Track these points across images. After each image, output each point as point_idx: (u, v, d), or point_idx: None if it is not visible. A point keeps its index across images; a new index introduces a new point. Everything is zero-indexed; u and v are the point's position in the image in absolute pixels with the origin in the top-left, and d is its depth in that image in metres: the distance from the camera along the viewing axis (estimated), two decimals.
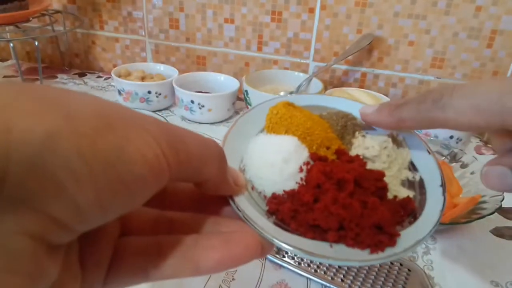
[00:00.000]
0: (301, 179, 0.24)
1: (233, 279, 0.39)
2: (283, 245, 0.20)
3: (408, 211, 0.24)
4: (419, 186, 0.26)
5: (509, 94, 0.20)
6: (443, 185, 0.25)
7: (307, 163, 0.25)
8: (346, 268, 0.40)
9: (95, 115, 0.14)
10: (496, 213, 0.44)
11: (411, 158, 0.27)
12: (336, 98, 0.31)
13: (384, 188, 0.24)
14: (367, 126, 0.28)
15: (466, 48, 0.70)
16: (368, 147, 0.27)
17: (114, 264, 0.19)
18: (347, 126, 0.28)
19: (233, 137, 0.27)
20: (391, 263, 0.41)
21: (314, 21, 0.76)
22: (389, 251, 0.21)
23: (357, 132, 0.28)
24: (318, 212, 0.22)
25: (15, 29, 0.75)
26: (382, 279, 0.39)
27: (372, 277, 0.39)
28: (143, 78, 0.74)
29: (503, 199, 0.45)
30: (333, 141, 0.27)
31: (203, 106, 0.68)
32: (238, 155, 0.26)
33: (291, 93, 0.71)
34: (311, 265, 0.40)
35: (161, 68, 0.80)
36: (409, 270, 0.40)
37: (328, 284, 0.38)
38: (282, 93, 0.71)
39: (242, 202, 0.22)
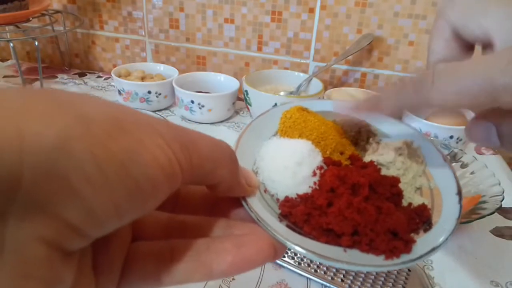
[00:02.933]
0: (315, 183, 0.24)
1: (233, 279, 0.39)
2: (296, 247, 0.20)
3: (423, 218, 0.23)
4: (435, 194, 0.25)
5: (496, 71, 0.18)
6: (459, 193, 0.24)
7: (320, 168, 0.25)
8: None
9: (107, 118, 0.14)
10: (496, 213, 0.44)
11: (427, 165, 0.27)
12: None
13: (399, 194, 0.24)
14: (382, 133, 0.28)
15: None
16: (383, 153, 0.27)
17: (126, 269, 0.19)
18: (361, 132, 0.29)
19: (246, 139, 0.27)
20: None
21: (314, 21, 0.76)
22: (404, 257, 0.21)
23: (371, 139, 0.28)
24: (332, 216, 0.21)
25: (15, 29, 0.75)
26: (382, 279, 0.39)
27: (372, 277, 0.39)
28: (143, 78, 0.74)
29: (503, 199, 0.45)
30: (347, 147, 0.27)
31: (203, 106, 0.68)
32: (251, 158, 0.26)
33: (291, 93, 0.71)
34: (311, 265, 0.40)
35: (161, 68, 0.80)
36: (409, 270, 0.40)
37: (328, 284, 0.38)
38: (282, 93, 0.71)
39: (255, 203, 0.22)
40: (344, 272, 0.39)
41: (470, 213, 0.45)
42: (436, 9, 0.29)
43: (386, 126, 0.29)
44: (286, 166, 0.24)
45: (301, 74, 0.75)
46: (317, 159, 0.25)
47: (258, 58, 0.82)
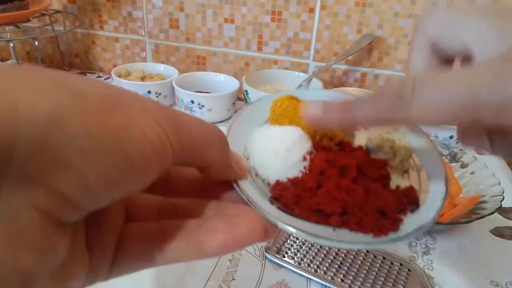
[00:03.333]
0: (305, 167, 0.25)
1: (233, 279, 0.39)
2: (287, 227, 0.20)
3: (410, 199, 0.24)
4: (422, 177, 0.26)
5: (480, 84, 0.17)
6: (445, 175, 0.25)
7: (310, 153, 0.25)
8: (346, 268, 0.40)
9: (101, 96, 0.15)
10: (496, 213, 0.44)
11: (414, 150, 0.27)
12: (337, 94, 0.32)
13: (387, 176, 0.25)
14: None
15: None
16: (371, 138, 0.27)
17: (120, 249, 0.19)
18: None
19: (237, 127, 0.27)
20: (391, 263, 0.41)
21: (314, 21, 0.76)
22: (392, 235, 0.21)
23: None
24: (321, 197, 0.22)
25: (15, 29, 0.75)
26: (382, 279, 0.39)
27: (372, 277, 0.39)
28: (143, 78, 0.75)
29: (503, 199, 0.45)
30: (335, 133, 0.28)
31: (203, 106, 0.68)
32: (242, 144, 0.27)
33: None
34: (311, 265, 0.40)
35: (161, 68, 0.80)
36: (409, 270, 0.40)
37: (328, 284, 0.38)
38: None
39: (247, 186, 0.23)
40: (344, 272, 0.39)
41: (470, 213, 0.45)
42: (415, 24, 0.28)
43: None
44: (276, 151, 0.25)
45: (301, 74, 0.75)
46: (307, 144, 0.25)
47: (258, 58, 0.82)
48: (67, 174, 0.13)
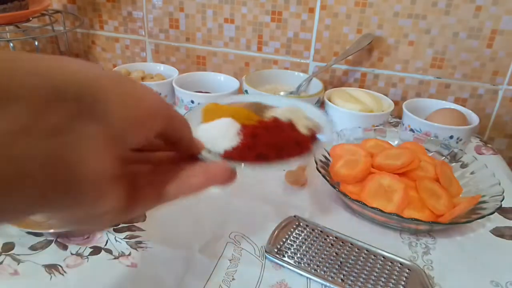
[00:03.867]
0: (241, 139, 0.35)
1: (233, 279, 0.39)
2: (245, 166, 0.31)
3: (313, 136, 0.36)
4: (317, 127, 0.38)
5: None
6: (329, 119, 0.39)
7: (241, 130, 0.36)
8: (346, 268, 0.40)
9: (113, 75, 0.21)
10: (496, 213, 0.44)
11: (308, 113, 0.40)
12: (245, 96, 0.46)
13: (294, 125, 0.37)
14: (272, 105, 0.42)
15: (466, 48, 0.70)
16: (277, 112, 0.39)
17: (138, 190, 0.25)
18: (258, 108, 0.42)
19: None
20: (391, 262, 0.41)
21: (314, 21, 0.76)
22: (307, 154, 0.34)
23: (266, 110, 0.41)
24: (259, 146, 0.34)
25: (15, 29, 0.75)
26: (383, 279, 0.39)
27: (373, 277, 0.39)
28: (143, 78, 0.75)
29: (503, 199, 0.45)
30: (253, 116, 0.39)
31: None
32: None
33: (291, 93, 0.71)
34: (311, 265, 0.40)
35: (161, 68, 0.80)
36: (409, 270, 0.40)
37: (328, 284, 0.38)
38: (282, 93, 0.71)
39: (207, 155, 0.31)
40: (344, 272, 0.39)
41: (470, 213, 0.45)
42: None
43: (273, 101, 0.43)
44: (219, 133, 0.36)
45: (301, 74, 0.75)
46: (237, 125, 0.36)
47: (258, 58, 0.82)
48: (116, 115, 0.20)
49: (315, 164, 0.51)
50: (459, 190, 0.51)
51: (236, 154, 0.34)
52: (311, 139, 0.37)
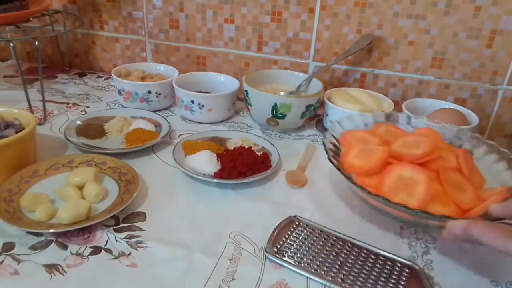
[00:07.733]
0: (222, 163, 0.54)
1: (233, 279, 0.39)
2: (227, 182, 0.51)
3: (267, 157, 0.57)
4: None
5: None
6: (272, 144, 0.60)
7: (218, 157, 0.56)
8: (346, 268, 0.40)
9: None
10: None
11: (254, 140, 0.61)
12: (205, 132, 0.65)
13: (253, 152, 0.57)
14: (227, 138, 0.63)
15: (465, 48, 0.70)
16: (234, 142, 0.61)
17: None
18: (219, 141, 0.62)
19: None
20: (391, 262, 0.41)
21: (314, 21, 0.76)
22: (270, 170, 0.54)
23: (225, 142, 0.61)
24: (239, 167, 0.53)
25: (15, 29, 0.75)
26: (383, 279, 0.39)
27: (372, 276, 0.39)
28: (143, 78, 0.75)
29: None
30: (219, 147, 0.60)
31: (203, 106, 0.68)
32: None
33: (291, 93, 0.71)
34: (311, 264, 0.40)
35: (161, 68, 0.80)
36: (409, 270, 0.40)
37: (328, 284, 0.38)
38: (282, 93, 0.71)
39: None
40: (344, 271, 0.39)
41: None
42: None
43: (227, 134, 0.64)
44: (205, 161, 0.54)
45: (301, 74, 0.75)
46: (214, 155, 0.56)
47: (258, 58, 0.82)
48: None
49: (326, 154, 0.46)
50: (482, 181, 0.46)
51: (223, 174, 0.52)
52: (266, 158, 0.56)
